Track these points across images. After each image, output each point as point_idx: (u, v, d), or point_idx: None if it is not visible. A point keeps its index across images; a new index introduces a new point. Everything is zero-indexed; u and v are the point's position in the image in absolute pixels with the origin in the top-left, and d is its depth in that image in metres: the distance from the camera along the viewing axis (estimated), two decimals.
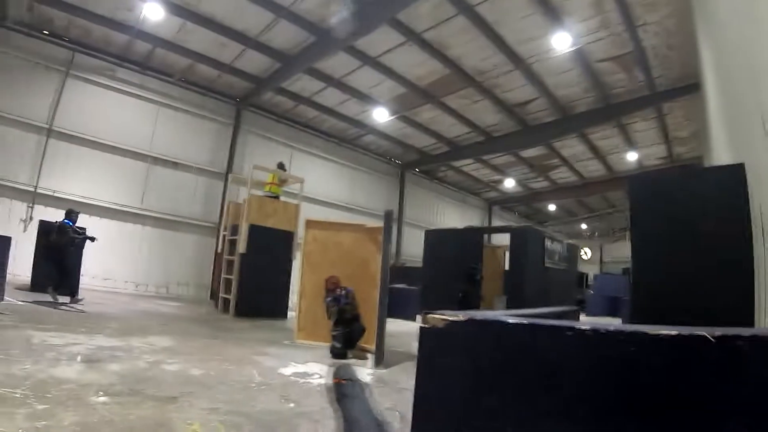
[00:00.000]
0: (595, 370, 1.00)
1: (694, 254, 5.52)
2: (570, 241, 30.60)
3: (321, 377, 6.07)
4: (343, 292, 8.38)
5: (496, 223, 33.06)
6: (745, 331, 0.89)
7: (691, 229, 5.61)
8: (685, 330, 0.91)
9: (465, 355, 1.15)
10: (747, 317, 5.00)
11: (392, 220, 8.16)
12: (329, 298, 8.37)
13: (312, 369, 6.56)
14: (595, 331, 1.00)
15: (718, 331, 0.88)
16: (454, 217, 29.36)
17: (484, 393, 1.12)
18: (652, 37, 13.98)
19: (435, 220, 27.28)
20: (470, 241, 15.61)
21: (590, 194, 30.56)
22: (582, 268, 35.24)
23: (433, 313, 1.21)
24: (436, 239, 15.96)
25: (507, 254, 16.44)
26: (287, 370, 6.31)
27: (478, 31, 13.98)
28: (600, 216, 36.93)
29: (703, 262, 5.44)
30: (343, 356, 7.82)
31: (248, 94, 18.95)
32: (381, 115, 20.08)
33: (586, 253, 42.18)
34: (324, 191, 22.06)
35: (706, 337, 0.88)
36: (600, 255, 42.71)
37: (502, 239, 17.77)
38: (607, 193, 29.74)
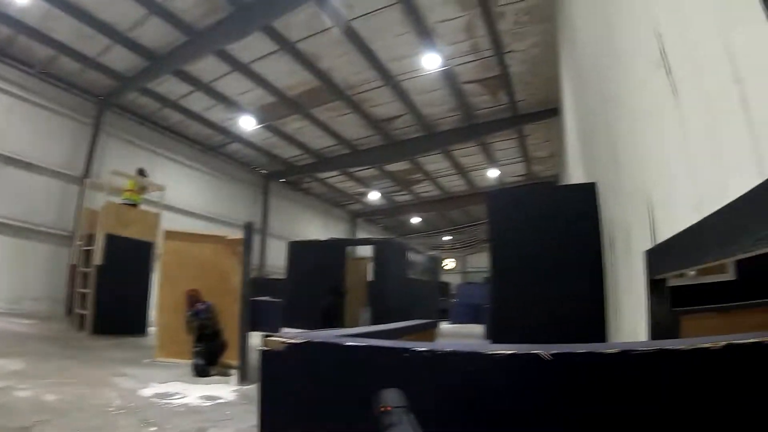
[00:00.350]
0: (434, 391, 0.99)
1: (550, 265, 5.90)
2: (433, 252, 31.62)
3: (182, 397, 5.84)
4: (204, 306, 8.11)
5: (361, 235, 33.38)
6: (579, 347, 0.91)
7: (547, 241, 5.99)
8: (522, 348, 0.92)
9: (305, 378, 1.12)
10: (600, 324, 5.46)
11: (253, 231, 8.06)
12: (189, 313, 8.06)
13: (173, 389, 6.28)
14: (431, 353, 0.99)
15: (554, 349, 0.90)
16: (318, 228, 29.24)
17: (324, 417, 1.09)
18: (518, 64, 15.03)
19: (300, 232, 26.94)
20: (334, 252, 15.62)
21: (452, 208, 31.76)
22: (445, 278, 36.57)
23: (272, 336, 1.17)
24: (299, 251, 15.80)
25: (370, 266, 16.64)
26: (147, 391, 6.00)
27: (351, 45, 14.15)
28: (461, 228, 38.48)
29: (559, 272, 5.84)
30: (206, 373, 7.55)
31: (112, 92, 17.51)
32: (248, 124, 19.59)
33: (448, 263, 43.90)
34: (187, 200, 20.97)
35: (541, 355, 0.89)
36: (462, 265, 44.60)
37: (366, 251, 17.95)
38: (468, 207, 31.03)
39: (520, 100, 17.37)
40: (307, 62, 15.23)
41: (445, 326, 23.42)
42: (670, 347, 0.87)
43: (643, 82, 2.87)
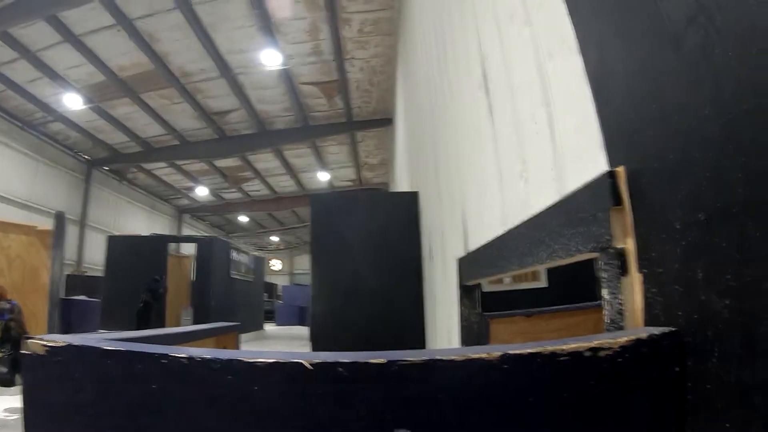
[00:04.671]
0: (194, 399, 0.95)
1: (372, 270, 6.08)
2: (260, 252, 31.11)
3: None
4: (8, 305, 7.27)
5: (186, 231, 31.89)
6: (344, 357, 0.90)
7: (370, 246, 6.17)
8: (284, 357, 0.91)
9: (68, 384, 1.02)
10: (420, 328, 5.73)
11: (65, 222, 7.39)
12: None
13: None
14: (190, 359, 0.94)
15: (318, 359, 0.90)
16: (142, 223, 27.37)
17: (89, 428, 0.99)
18: (358, 72, 15.33)
19: (122, 225, 25.03)
20: (155, 249, 14.80)
21: (281, 209, 31.49)
22: (272, 279, 36.22)
23: (33, 338, 1.07)
24: (119, 246, 14.74)
25: (194, 265, 16.10)
26: None
27: (191, 31, 13.47)
28: (290, 229, 38.37)
29: (381, 277, 6.03)
30: (11, 383, 6.77)
31: None
32: (74, 102, 17.66)
33: (275, 264, 43.59)
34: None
35: (304, 364, 0.89)
36: (290, 266, 44.49)
37: (191, 249, 17.22)
38: (297, 208, 30.97)
39: (355, 107, 17.73)
40: (144, 43, 14.16)
41: (270, 328, 23.21)
42: (442, 357, 0.90)
43: (467, 102, 3.06)
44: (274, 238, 41.68)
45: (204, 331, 2.83)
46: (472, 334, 2.95)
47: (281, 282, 38.77)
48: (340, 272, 6.18)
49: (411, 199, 6.33)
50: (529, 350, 0.87)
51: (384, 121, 17.42)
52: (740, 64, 0.81)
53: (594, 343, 0.86)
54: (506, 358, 0.86)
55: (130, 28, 13.43)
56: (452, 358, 0.89)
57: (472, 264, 2.81)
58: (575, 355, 0.86)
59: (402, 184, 10.61)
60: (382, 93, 15.96)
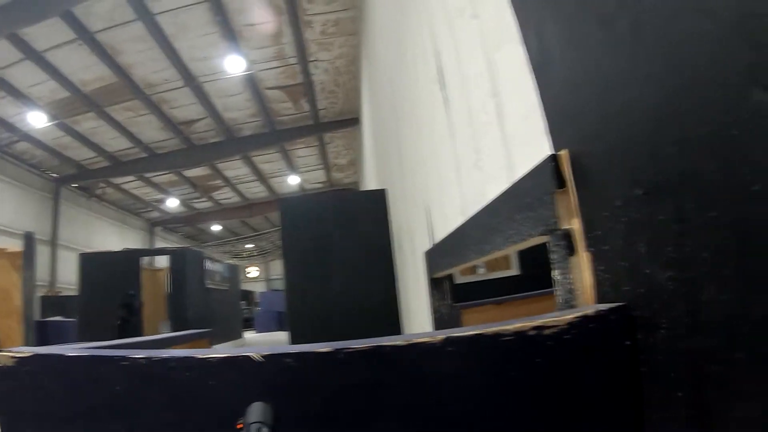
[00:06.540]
0: (155, 397, 0.98)
1: (345, 269, 6.08)
2: (235, 259, 30.82)
3: None
4: None
5: (159, 244, 31.36)
6: (292, 348, 0.95)
7: (341, 246, 6.16)
8: (235, 352, 0.94)
9: (38, 393, 1.04)
10: (395, 322, 5.75)
11: (35, 242, 7.24)
12: None
13: None
14: (148, 360, 0.97)
15: (267, 351, 0.93)
16: (114, 238, 26.83)
17: None
18: (322, 74, 15.23)
19: (94, 243, 24.43)
20: (128, 264, 14.56)
21: (254, 215, 31.20)
22: (249, 286, 35.94)
23: (2, 351, 1.08)
24: (91, 264, 14.39)
25: (168, 277, 15.89)
26: None
27: (153, 41, 13.24)
28: (264, 235, 38.11)
29: (354, 275, 6.03)
30: None
31: None
32: (38, 120, 17.16)
33: (252, 271, 43.29)
34: None
35: (253, 357, 0.92)
36: (266, 273, 44.21)
37: (165, 262, 16.92)
38: (269, 213, 30.72)
39: (321, 109, 17.64)
40: (106, 56, 13.85)
41: (251, 335, 23.00)
42: (387, 343, 0.92)
43: (424, 96, 3.07)
44: (249, 245, 41.36)
45: (175, 338, 2.80)
46: (443, 325, 2.96)
47: (259, 288, 38.47)
48: (313, 274, 6.14)
49: (379, 197, 6.31)
50: (473, 332, 0.89)
51: (351, 121, 17.39)
52: (669, 41, 0.83)
53: (538, 322, 0.88)
54: (450, 340, 0.88)
55: (91, 42, 13.14)
56: (396, 343, 0.90)
57: (438, 256, 2.83)
58: (519, 334, 0.87)
59: (371, 182, 10.63)
60: (348, 93, 15.91)
